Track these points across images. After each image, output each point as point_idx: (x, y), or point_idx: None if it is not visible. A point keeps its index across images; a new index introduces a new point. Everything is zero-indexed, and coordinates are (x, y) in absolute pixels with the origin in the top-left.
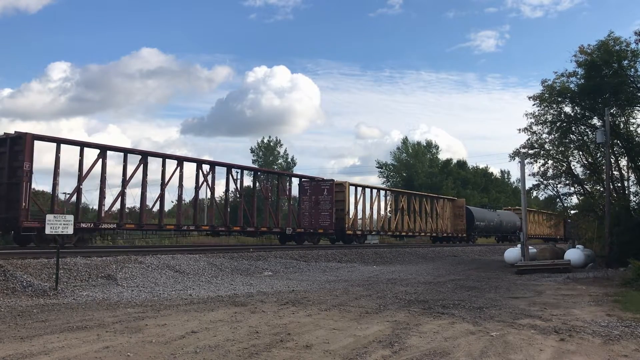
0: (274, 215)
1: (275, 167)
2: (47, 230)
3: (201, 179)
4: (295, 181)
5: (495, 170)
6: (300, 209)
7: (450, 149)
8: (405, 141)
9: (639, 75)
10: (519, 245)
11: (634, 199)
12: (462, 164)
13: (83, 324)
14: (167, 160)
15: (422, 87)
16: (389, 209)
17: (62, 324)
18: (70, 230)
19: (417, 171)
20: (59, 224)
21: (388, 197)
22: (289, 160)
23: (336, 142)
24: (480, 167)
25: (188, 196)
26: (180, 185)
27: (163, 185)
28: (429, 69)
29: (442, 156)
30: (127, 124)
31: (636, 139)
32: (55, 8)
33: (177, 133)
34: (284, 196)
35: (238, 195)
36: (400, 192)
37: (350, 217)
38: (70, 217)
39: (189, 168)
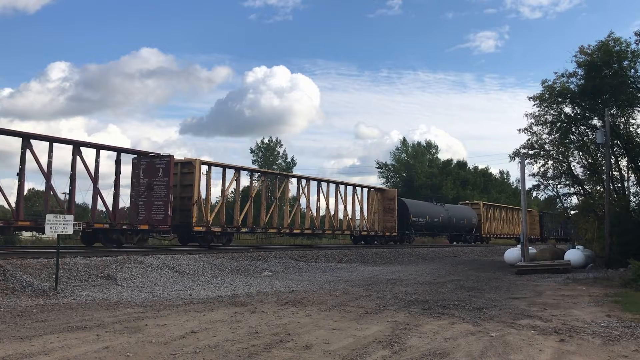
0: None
1: (275, 167)
2: (47, 231)
3: None
4: (128, 159)
5: (494, 171)
6: (134, 196)
7: (450, 149)
8: (404, 141)
9: (639, 76)
10: (519, 246)
11: (634, 199)
12: (462, 165)
13: (83, 324)
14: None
15: (420, 87)
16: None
17: (62, 324)
18: (70, 230)
19: (417, 171)
20: (58, 224)
21: (279, 182)
22: (289, 160)
23: (335, 142)
24: (480, 168)
25: None
26: None
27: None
28: (426, 69)
29: (442, 156)
30: (127, 124)
31: (636, 139)
32: (54, 8)
33: (177, 133)
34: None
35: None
36: (291, 175)
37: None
38: (70, 217)
39: None
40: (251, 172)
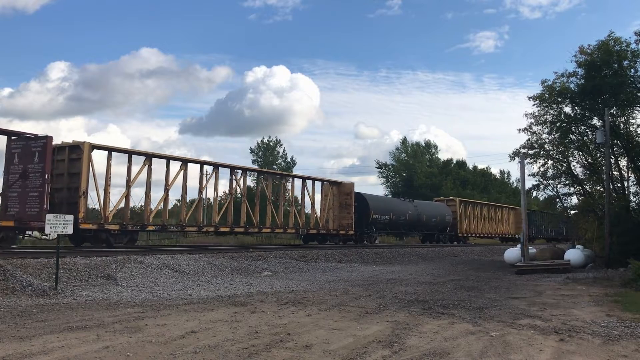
0: None
1: (275, 167)
2: (47, 230)
3: None
4: None
5: (495, 171)
6: (4, 187)
7: (450, 149)
8: (404, 141)
9: (639, 76)
10: (519, 246)
11: (634, 199)
12: (461, 164)
13: (83, 324)
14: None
15: (419, 87)
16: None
17: (62, 324)
18: (70, 230)
19: (416, 171)
20: (58, 224)
21: (208, 173)
22: (289, 160)
23: (335, 142)
24: (480, 168)
25: None
26: None
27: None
28: (425, 69)
29: (442, 156)
30: (127, 124)
31: (636, 139)
32: (53, 8)
33: (176, 133)
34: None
35: None
36: (219, 165)
37: (99, 201)
38: (70, 217)
39: None
40: (168, 159)
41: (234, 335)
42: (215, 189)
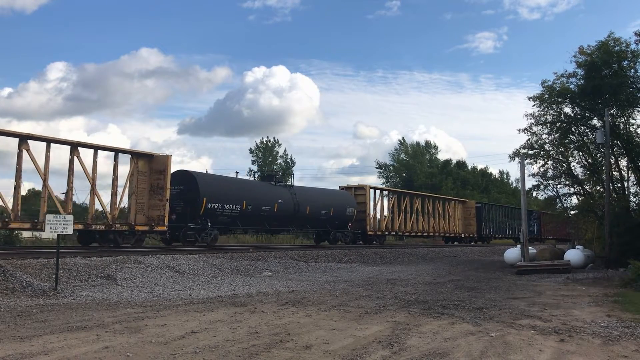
0: None
1: (275, 167)
2: (47, 230)
3: None
4: None
5: (494, 171)
6: None
7: (450, 149)
8: (402, 141)
9: (639, 76)
10: (519, 246)
11: (634, 199)
12: (461, 164)
13: (83, 324)
14: None
15: (416, 87)
16: None
17: (62, 324)
18: (70, 231)
19: (416, 172)
20: (58, 224)
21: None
22: (288, 160)
23: (334, 142)
24: (479, 168)
25: None
26: None
27: None
28: (422, 70)
29: (442, 156)
30: (127, 124)
31: (636, 139)
32: (52, 8)
33: (175, 133)
34: None
35: None
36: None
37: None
38: (70, 217)
39: None
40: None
41: (234, 335)
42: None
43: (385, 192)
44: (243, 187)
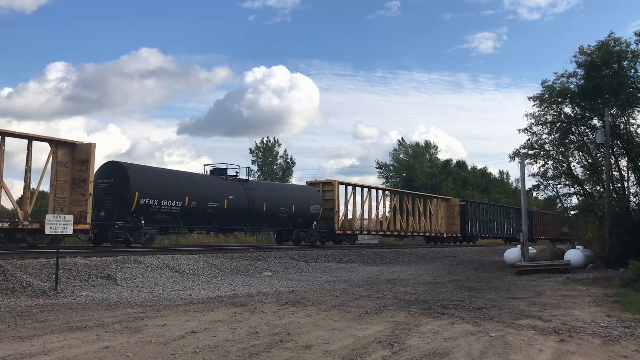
0: None
1: (275, 167)
2: (47, 231)
3: None
4: None
5: (494, 171)
6: None
7: (450, 149)
8: (402, 141)
9: (639, 76)
10: (519, 246)
11: (634, 199)
12: (461, 164)
13: (83, 324)
14: None
15: (415, 87)
16: None
17: (62, 324)
18: (70, 230)
19: (416, 172)
20: (58, 224)
21: None
22: (289, 160)
23: (334, 142)
24: (479, 168)
25: None
26: None
27: None
28: (421, 70)
29: (442, 156)
30: (127, 124)
31: (636, 139)
32: (51, 8)
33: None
34: None
35: None
36: None
37: None
38: (70, 217)
39: None
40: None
41: (234, 335)
42: None
43: (358, 189)
44: (186, 181)
